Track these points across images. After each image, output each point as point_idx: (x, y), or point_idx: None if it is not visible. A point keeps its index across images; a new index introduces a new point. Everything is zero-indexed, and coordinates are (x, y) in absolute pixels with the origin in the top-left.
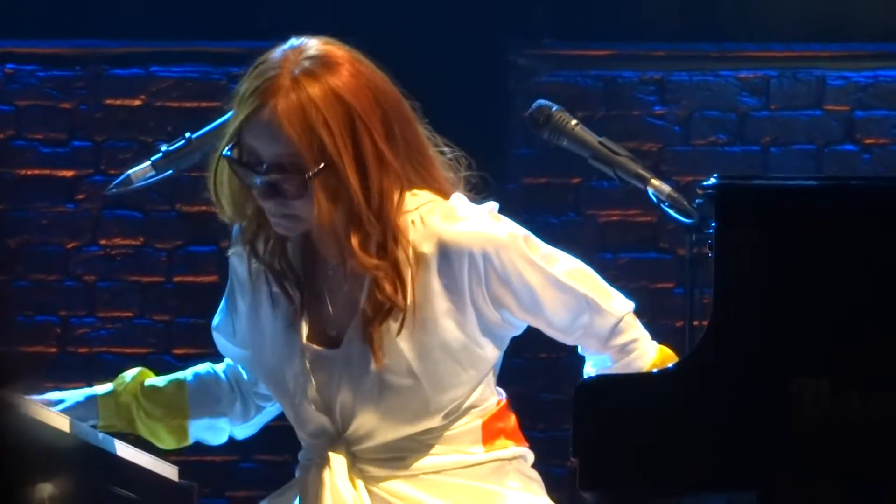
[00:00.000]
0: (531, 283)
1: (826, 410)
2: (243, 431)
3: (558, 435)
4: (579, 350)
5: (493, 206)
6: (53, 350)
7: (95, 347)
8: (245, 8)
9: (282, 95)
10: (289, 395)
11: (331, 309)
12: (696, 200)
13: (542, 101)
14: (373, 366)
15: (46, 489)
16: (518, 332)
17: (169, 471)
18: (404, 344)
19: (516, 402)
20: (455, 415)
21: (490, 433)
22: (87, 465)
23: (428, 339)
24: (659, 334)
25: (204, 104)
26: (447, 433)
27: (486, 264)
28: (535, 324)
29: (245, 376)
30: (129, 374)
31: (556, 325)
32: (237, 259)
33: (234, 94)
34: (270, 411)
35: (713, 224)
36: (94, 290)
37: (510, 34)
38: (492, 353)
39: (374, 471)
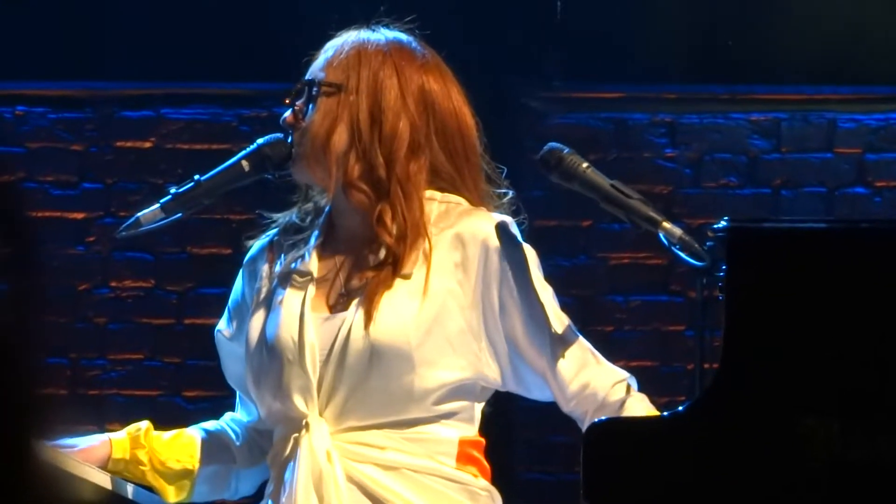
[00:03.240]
0: (540, 297)
1: (836, 452)
2: (248, 482)
3: (568, 478)
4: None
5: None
6: (63, 392)
7: (106, 389)
8: (256, 49)
9: (354, 35)
10: (275, 371)
11: (341, 283)
12: (707, 243)
13: (553, 144)
14: (368, 331)
15: None
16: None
17: None
18: (405, 311)
19: (526, 447)
20: (437, 412)
21: (464, 455)
22: None
23: (429, 312)
24: (670, 377)
25: (214, 146)
26: (424, 435)
27: (501, 262)
28: (538, 362)
29: (245, 419)
30: (141, 423)
31: (560, 366)
32: (259, 247)
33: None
34: None
35: (724, 267)
36: (104, 333)
37: (521, 77)
38: (484, 363)
39: (352, 454)
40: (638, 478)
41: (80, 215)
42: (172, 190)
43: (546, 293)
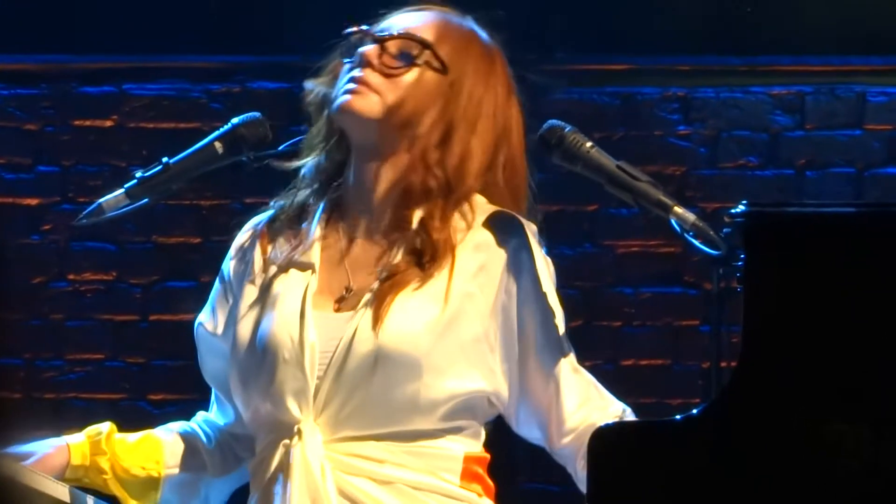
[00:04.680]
0: (557, 321)
1: (867, 460)
2: (220, 492)
3: (573, 489)
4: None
5: None
6: (17, 395)
7: (63, 393)
8: (226, 19)
9: (456, 16)
10: (268, 371)
11: (350, 278)
12: (724, 230)
13: (553, 122)
14: (376, 331)
15: None
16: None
17: None
18: (418, 314)
19: (531, 456)
20: (444, 426)
21: (469, 473)
22: None
23: (445, 317)
24: (683, 376)
25: (182, 125)
26: (428, 450)
27: (525, 273)
28: (543, 390)
29: (221, 421)
30: (103, 425)
31: (564, 397)
32: (250, 230)
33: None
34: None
35: (742, 256)
36: (61, 330)
37: (519, 48)
38: (498, 377)
39: (346, 466)
40: (647, 487)
41: (34, 201)
42: (138, 173)
43: (561, 317)
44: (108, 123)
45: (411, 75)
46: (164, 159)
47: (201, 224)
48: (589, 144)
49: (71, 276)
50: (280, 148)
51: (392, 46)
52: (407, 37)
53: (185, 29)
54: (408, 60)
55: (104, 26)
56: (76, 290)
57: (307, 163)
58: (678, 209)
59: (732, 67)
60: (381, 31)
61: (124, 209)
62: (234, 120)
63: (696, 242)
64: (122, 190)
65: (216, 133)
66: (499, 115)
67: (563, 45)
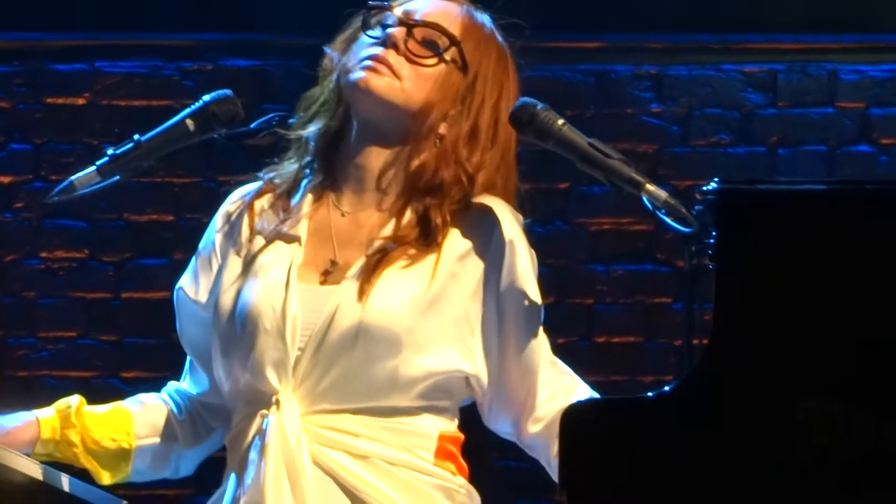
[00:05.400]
0: (536, 304)
1: (838, 438)
2: (190, 462)
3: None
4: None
5: None
6: None
7: (36, 370)
8: None
9: (478, 13)
10: (249, 341)
11: (336, 252)
12: (696, 207)
13: (525, 99)
14: (360, 306)
15: None
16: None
17: None
18: (403, 291)
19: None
20: (420, 403)
21: (443, 451)
22: (27, 500)
23: (428, 296)
24: (655, 354)
25: (154, 102)
26: (403, 426)
27: (511, 260)
28: (519, 379)
29: (194, 390)
30: (72, 398)
31: (540, 386)
32: (238, 199)
33: None
34: (219, 437)
35: (714, 233)
36: (33, 308)
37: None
38: (478, 359)
39: (321, 438)
40: (619, 464)
41: (6, 179)
42: (109, 151)
43: (541, 310)
44: (81, 101)
45: (436, 69)
46: (136, 136)
47: (174, 202)
48: (561, 122)
49: (43, 254)
50: (251, 125)
51: (419, 33)
52: (438, 28)
53: (157, 7)
54: (434, 52)
55: (77, 4)
56: (48, 267)
57: (305, 133)
58: (650, 186)
59: (704, 45)
60: (408, 12)
61: (96, 186)
62: (206, 97)
63: (668, 220)
64: (93, 167)
65: (187, 110)
66: (504, 120)
67: (534, 23)
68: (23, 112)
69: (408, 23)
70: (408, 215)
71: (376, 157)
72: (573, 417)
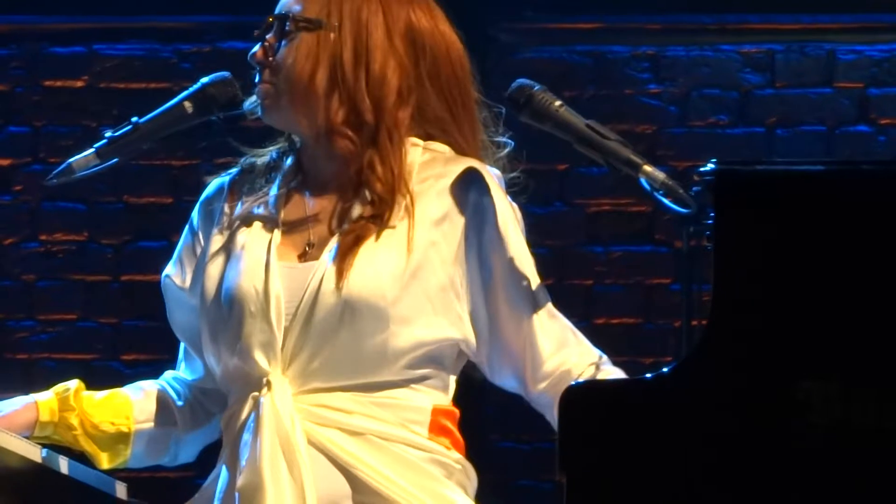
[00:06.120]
0: (525, 265)
1: (836, 418)
2: (189, 448)
3: (545, 447)
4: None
5: None
6: None
7: (35, 353)
8: None
9: None
10: (235, 325)
11: (311, 232)
12: (694, 188)
13: (522, 81)
14: (342, 284)
15: None
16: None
17: (119, 489)
18: (383, 264)
19: (502, 412)
20: (409, 375)
21: (437, 425)
22: (29, 484)
23: (409, 266)
24: (654, 335)
25: (152, 85)
26: (395, 401)
27: (489, 219)
28: (516, 335)
29: (189, 377)
30: (71, 382)
31: (540, 341)
32: (217, 185)
33: None
34: (218, 424)
35: (712, 214)
36: (33, 291)
37: (488, 6)
38: (465, 324)
39: (315, 416)
40: (619, 446)
41: (5, 162)
42: (108, 133)
43: (529, 261)
44: (79, 84)
45: (285, 49)
46: (134, 119)
47: (172, 183)
48: (558, 103)
49: (42, 237)
50: (248, 107)
51: (272, 38)
52: (270, 19)
53: None
54: (279, 38)
55: None
56: (48, 250)
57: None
58: (648, 168)
59: (702, 26)
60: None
61: (94, 169)
62: (204, 80)
63: (666, 201)
64: (91, 150)
65: (185, 93)
66: (396, 33)
67: (532, 4)
68: (21, 95)
69: (256, 36)
70: (359, 183)
71: (318, 140)
72: (572, 398)
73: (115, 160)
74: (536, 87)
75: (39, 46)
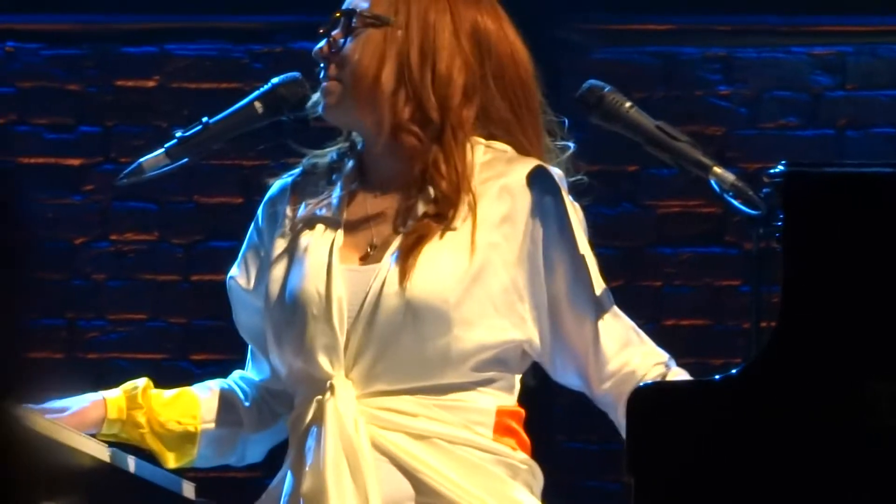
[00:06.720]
0: (588, 264)
1: None
2: (256, 448)
3: (613, 448)
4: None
5: None
6: (59, 356)
7: (105, 353)
8: None
9: None
10: (299, 327)
11: (373, 233)
12: (764, 190)
13: (593, 82)
14: (405, 286)
15: None
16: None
17: (186, 488)
18: (445, 267)
19: (569, 413)
20: (475, 378)
21: (502, 426)
22: (97, 483)
23: (472, 268)
24: (723, 337)
25: (223, 85)
26: (460, 403)
27: (551, 219)
28: (579, 335)
29: (257, 377)
30: (139, 380)
31: (603, 341)
32: (280, 187)
33: None
34: (285, 424)
35: (782, 216)
36: (103, 290)
37: (559, 8)
38: (529, 325)
39: (379, 420)
40: (686, 447)
41: (76, 161)
42: (178, 133)
43: (592, 261)
44: (150, 84)
45: (351, 45)
46: (205, 119)
47: (243, 183)
48: (628, 104)
49: (113, 237)
50: (310, 106)
51: (338, 34)
52: (336, 15)
53: None
54: (349, 34)
55: None
56: (118, 250)
57: None
58: (718, 169)
59: (773, 27)
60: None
61: (164, 169)
62: (274, 80)
63: (736, 203)
64: (162, 150)
65: (256, 93)
66: (463, 33)
67: (603, 5)
68: (92, 95)
69: (321, 32)
70: (423, 183)
71: (380, 139)
72: (640, 400)
73: (185, 160)
74: (607, 89)
75: (111, 46)
